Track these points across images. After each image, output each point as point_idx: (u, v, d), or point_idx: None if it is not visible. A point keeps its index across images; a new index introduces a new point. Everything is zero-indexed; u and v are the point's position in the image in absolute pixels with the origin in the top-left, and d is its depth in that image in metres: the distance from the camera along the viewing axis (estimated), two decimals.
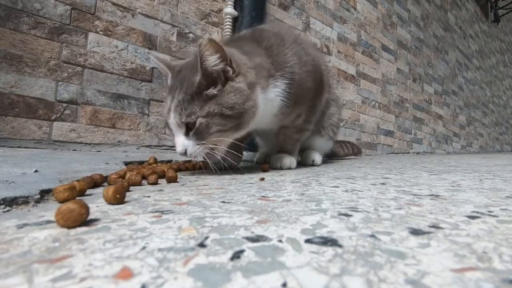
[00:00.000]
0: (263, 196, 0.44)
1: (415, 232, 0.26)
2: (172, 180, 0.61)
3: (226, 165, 0.79)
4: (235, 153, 0.80)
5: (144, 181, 0.60)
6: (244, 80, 0.74)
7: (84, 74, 1.18)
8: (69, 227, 0.28)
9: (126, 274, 0.18)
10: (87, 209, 0.29)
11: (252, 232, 0.26)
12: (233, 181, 0.63)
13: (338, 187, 0.54)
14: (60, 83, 1.12)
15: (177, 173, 0.66)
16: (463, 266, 0.19)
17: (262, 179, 0.66)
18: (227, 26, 1.57)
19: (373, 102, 2.74)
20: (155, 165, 0.85)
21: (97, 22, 1.21)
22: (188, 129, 0.70)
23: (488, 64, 5.82)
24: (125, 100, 1.29)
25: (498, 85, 6.32)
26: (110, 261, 0.20)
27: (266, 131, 1.03)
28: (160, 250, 0.22)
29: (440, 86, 3.98)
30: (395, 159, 1.79)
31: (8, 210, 0.35)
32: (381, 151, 2.82)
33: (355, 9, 2.57)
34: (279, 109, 0.87)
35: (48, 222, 0.30)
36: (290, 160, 0.99)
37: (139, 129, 1.33)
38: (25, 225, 0.29)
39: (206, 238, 0.25)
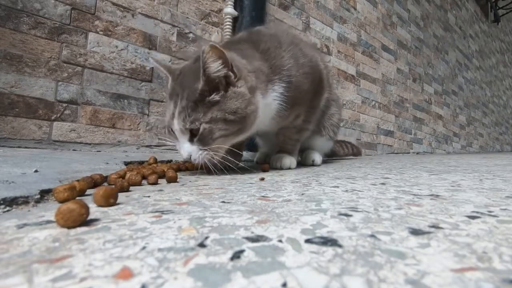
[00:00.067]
0: (263, 196, 0.44)
1: (415, 232, 0.26)
2: (172, 180, 0.61)
3: (223, 167, 0.79)
4: (232, 159, 0.80)
5: (144, 181, 0.60)
6: (245, 85, 0.74)
7: (84, 74, 1.18)
8: (69, 227, 0.28)
9: (126, 274, 0.18)
10: (87, 209, 0.29)
11: (252, 232, 0.26)
12: (233, 181, 0.63)
13: (338, 187, 0.54)
14: (60, 83, 1.12)
15: (177, 173, 0.66)
16: (463, 266, 0.19)
17: (262, 179, 0.66)
18: (227, 26, 1.57)
19: (373, 102, 2.74)
20: (155, 165, 0.85)
21: (97, 22, 1.21)
22: (192, 135, 0.71)
23: (488, 64, 5.82)
24: (125, 100, 1.29)
25: (498, 85, 6.32)
26: (110, 261, 0.20)
27: (266, 131, 1.03)
28: (160, 250, 0.22)
29: (440, 86, 3.98)
30: (395, 159, 1.79)
31: (8, 210, 0.35)
32: (381, 151, 2.82)
33: (355, 9, 2.57)
34: (276, 112, 0.88)
35: (48, 222, 0.30)
36: (290, 160, 0.99)
37: (139, 129, 1.33)
38: (25, 225, 0.29)
39: (206, 238, 0.25)
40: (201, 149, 0.71)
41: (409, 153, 3.26)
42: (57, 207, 0.28)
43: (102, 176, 0.55)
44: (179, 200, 0.41)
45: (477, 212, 0.34)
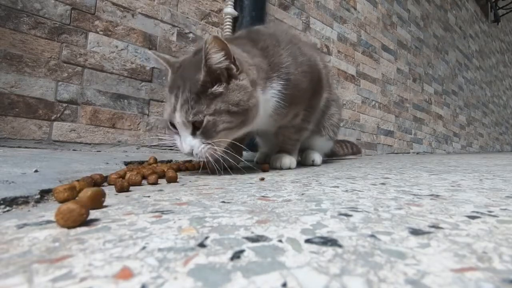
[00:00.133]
0: (263, 196, 0.44)
1: (415, 232, 0.26)
2: (172, 180, 0.61)
3: (226, 165, 0.79)
4: (235, 154, 0.80)
5: (144, 181, 0.60)
6: (247, 78, 0.74)
7: (84, 74, 1.18)
8: (69, 227, 0.28)
9: (126, 274, 0.18)
10: (87, 209, 0.29)
11: (252, 232, 0.26)
12: (233, 181, 0.63)
13: (338, 187, 0.54)
14: (60, 83, 1.12)
15: (177, 173, 0.66)
16: (463, 266, 0.19)
17: (262, 179, 0.66)
18: (227, 26, 1.57)
19: (373, 102, 2.74)
20: (155, 165, 0.85)
21: (97, 22, 1.21)
22: (195, 128, 0.70)
23: (488, 64, 5.82)
24: (125, 100, 1.29)
25: (498, 85, 6.33)
26: (110, 261, 0.20)
27: (266, 131, 1.03)
28: (160, 250, 0.22)
29: (440, 86, 3.98)
30: (395, 159, 1.79)
31: (8, 210, 0.35)
32: (381, 151, 2.82)
33: (355, 9, 2.57)
34: (274, 109, 0.87)
35: (48, 222, 0.30)
36: (290, 160, 0.99)
37: (139, 129, 1.33)
38: (25, 225, 0.29)
39: (206, 238, 0.25)
40: (203, 143, 0.70)
41: (409, 153, 3.26)
42: (57, 207, 0.28)
43: (102, 176, 0.55)
44: (179, 200, 0.41)
45: (477, 212, 0.34)
